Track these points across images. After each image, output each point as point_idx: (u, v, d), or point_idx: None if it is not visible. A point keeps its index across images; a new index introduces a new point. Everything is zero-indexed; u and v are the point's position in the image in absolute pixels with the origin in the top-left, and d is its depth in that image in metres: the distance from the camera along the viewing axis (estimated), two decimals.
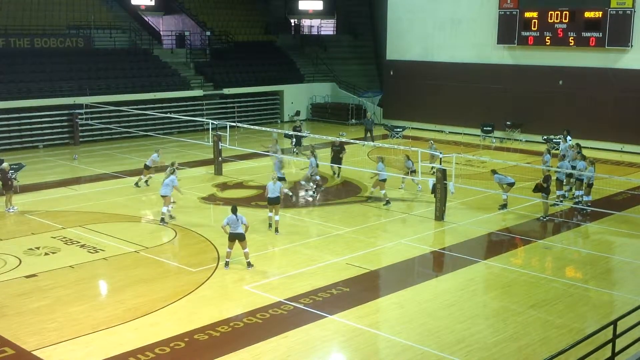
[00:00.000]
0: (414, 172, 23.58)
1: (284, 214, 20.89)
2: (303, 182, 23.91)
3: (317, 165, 23.80)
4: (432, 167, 23.68)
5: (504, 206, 21.70)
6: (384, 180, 22.31)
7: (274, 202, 19.11)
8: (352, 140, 27.84)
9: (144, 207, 22.38)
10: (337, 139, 26.75)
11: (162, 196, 19.90)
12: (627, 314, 11.02)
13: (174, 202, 20.56)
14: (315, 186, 23.68)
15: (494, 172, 22.07)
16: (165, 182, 19.84)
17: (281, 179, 21.74)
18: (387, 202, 22.20)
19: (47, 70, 34.47)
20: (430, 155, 25.09)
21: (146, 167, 24.31)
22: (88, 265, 16.53)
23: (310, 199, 23.31)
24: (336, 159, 25.92)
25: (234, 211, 15.99)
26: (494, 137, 35.51)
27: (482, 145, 34.36)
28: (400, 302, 14.50)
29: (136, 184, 24.38)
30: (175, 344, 12.37)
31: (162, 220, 19.90)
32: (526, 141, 34.82)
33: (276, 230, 19.12)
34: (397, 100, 40.52)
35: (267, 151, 26.85)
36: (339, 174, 26.23)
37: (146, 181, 24.39)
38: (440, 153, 24.24)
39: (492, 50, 36.49)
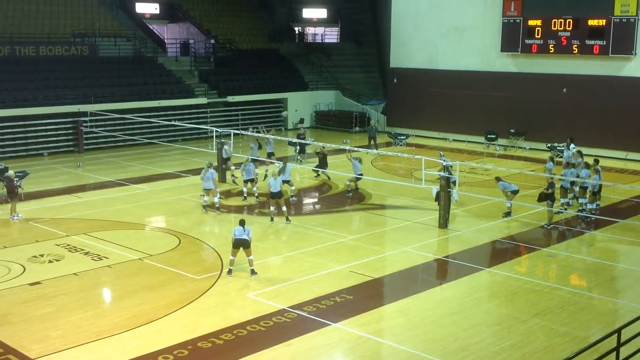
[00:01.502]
0: (453, 183, 23.37)
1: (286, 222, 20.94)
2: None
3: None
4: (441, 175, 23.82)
5: (508, 214, 21.67)
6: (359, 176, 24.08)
7: (276, 197, 20.55)
8: (355, 148, 27.84)
9: (148, 214, 22.41)
10: (322, 146, 26.90)
11: (205, 190, 21.92)
12: (631, 322, 11.01)
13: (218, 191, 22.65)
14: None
15: (498, 179, 22.06)
16: (205, 177, 21.75)
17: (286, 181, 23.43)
18: (349, 192, 24.34)
19: (52, 78, 34.60)
20: (443, 166, 25.00)
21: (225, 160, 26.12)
22: (92, 273, 16.56)
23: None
24: (322, 164, 26.34)
25: (242, 224, 16.20)
26: (498, 145, 35.49)
27: (485, 153, 34.35)
28: (404, 310, 14.49)
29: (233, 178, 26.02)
30: (179, 352, 12.37)
31: (217, 209, 22.01)
32: (530, 149, 34.81)
33: (287, 219, 20.72)
34: (401, 107, 40.55)
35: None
36: (328, 177, 26.77)
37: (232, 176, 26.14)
38: (444, 161, 24.18)
39: (496, 58, 36.52)
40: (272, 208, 20.87)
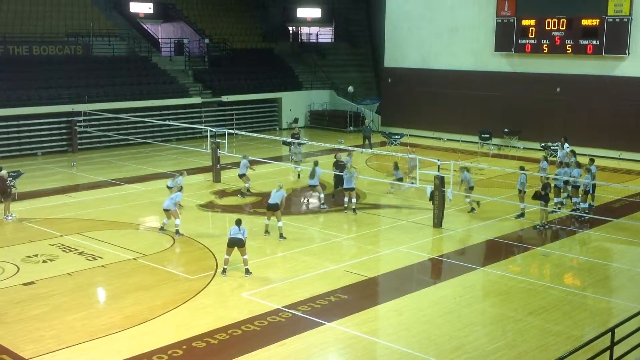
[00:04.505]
0: (400, 179, 23.69)
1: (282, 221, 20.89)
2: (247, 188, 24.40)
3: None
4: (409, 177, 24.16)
5: (522, 215, 21.53)
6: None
7: (272, 209, 19.26)
8: (350, 148, 27.85)
9: (142, 214, 22.35)
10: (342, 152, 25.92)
11: (164, 210, 19.49)
12: (625, 321, 11.04)
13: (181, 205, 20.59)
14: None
15: (522, 169, 21.93)
16: (170, 197, 19.71)
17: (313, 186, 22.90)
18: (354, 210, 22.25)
19: (45, 78, 34.48)
20: (408, 166, 24.76)
21: (240, 176, 24.36)
22: (86, 273, 16.52)
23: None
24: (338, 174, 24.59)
25: (238, 223, 16.17)
26: (492, 144, 35.55)
27: (479, 152, 34.41)
28: (398, 310, 14.50)
29: (242, 194, 24.20)
30: (173, 352, 12.36)
31: (177, 232, 19.42)
32: (524, 148, 34.88)
33: (281, 236, 19.23)
34: (395, 107, 40.58)
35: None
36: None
37: (247, 189, 24.33)
38: (410, 160, 24.03)
39: (490, 58, 36.57)
40: (267, 221, 19.61)
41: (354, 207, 22.10)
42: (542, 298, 15.16)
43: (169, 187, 21.95)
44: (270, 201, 19.25)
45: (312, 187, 23.09)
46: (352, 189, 22.22)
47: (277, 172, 27.89)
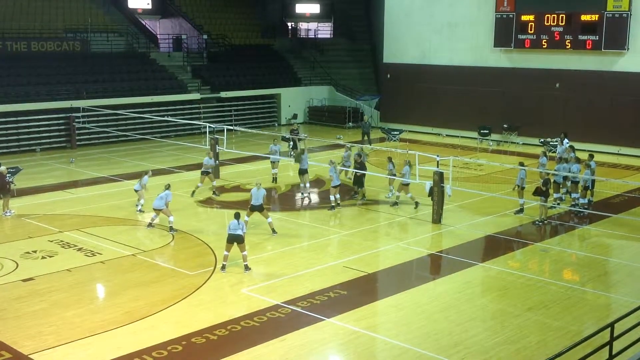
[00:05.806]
0: (394, 174, 23.53)
1: (281, 217, 20.91)
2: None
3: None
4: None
5: (520, 210, 21.54)
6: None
7: (256, 209, 19.10)
8: (348, 144, 27.81)
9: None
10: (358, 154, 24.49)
11: (155, 209, 19.50)
12: (624, 316, 11.05)
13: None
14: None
15: (521, 164, 21.90)
16: (160, 196, 19.47)
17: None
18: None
19: (44, 74, 34.44)
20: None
21: (204, 173, 23.77)
22: (85, 269, 16.52)
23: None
24: (359, 178, 23.65)
25: (237, 217, 16.13)
26: (491, 140, 35.55)
27: (479, 148, 34.38)
28: (397, 305, 14.51)
29: (193, 193, 23.64)
30: (173, 348, 12.36)
31: (171, 229, 19.39)
32: (523, 144, 34.86)
33: (273, 231, 19.20)
34: (395, 103, 40.56)
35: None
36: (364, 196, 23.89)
37: (194, 191, 23.70)
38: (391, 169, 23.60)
39: (489, 53, 36.54)
40: (246, 217, 18.98)
41: (338, 202, 22.12)
42: (541, 293, 15.17)
43: (136, 190, 21.64)
44: (254, 202, 18.97)
45: (302, 173, 23.21)
46: (337, 186, 22.01)
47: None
